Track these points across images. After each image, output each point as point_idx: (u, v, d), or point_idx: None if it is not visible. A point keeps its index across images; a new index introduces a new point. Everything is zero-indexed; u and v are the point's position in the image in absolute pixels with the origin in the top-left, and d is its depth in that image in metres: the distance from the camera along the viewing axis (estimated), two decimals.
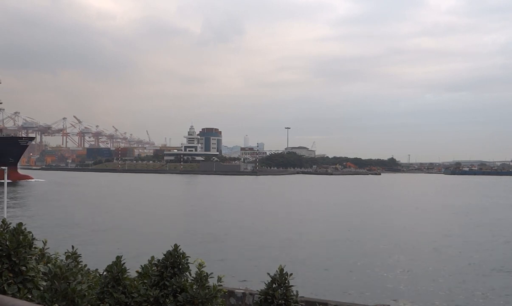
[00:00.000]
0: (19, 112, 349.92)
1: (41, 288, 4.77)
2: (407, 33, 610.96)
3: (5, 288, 4.66)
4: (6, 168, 20.28)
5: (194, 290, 4.97)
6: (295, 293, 5.00)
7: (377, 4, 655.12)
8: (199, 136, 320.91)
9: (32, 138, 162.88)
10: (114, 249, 25.59)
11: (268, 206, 67.94)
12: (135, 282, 5.15)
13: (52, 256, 6.00)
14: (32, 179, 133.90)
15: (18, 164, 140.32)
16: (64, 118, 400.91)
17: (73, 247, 5.70)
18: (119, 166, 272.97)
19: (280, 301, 4.87)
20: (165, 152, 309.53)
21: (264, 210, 61.07)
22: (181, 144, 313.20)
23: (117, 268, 5.02)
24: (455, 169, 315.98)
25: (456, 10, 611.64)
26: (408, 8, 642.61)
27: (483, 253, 33.27)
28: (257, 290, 9.00)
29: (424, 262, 29.46)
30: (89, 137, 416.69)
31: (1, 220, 5.51)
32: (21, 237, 5.09)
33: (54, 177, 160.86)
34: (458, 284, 24.14)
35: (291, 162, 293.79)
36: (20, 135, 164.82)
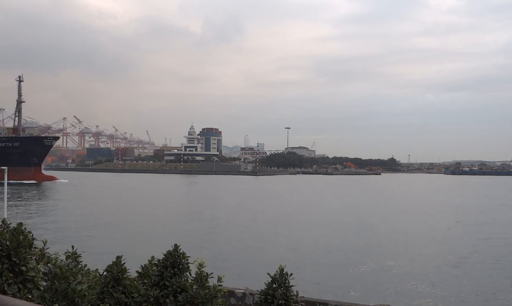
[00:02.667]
0: None
1: (41, 288, 4.77)
2: (407, 32, 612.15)
3: (5, 288, 4.66)
4: (6, 168, 20.20)
5: (194, 290, 4.97)
6: (295, 293, 5.00)
7: (378, 4, 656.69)
8: (199, 136, 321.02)
9: (57, 138, 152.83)
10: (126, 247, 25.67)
11: (268, 206, 67.90)
12: (135, 282, 5.15)
13: (52, 256, 6.00)
14: (58, 179, 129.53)
15: (43, 164, 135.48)
16: (64, 118, 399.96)
17: (73, 247, 5.70)
18: (119, 166, 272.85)
19: (280, 301, 4.87)
20: (165, 152, 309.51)
21: (264, 210, 61.03)
22: (181, 144, 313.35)
23: (117, 268, 5.02)
24: (455, 168, 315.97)
25: (457, 10, 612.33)
26: (409, 8, 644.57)
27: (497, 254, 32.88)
28: (257, 290, 9.01)
29: (426, 263, 29.42)
30: (89, 137, 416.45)
31: (1, 220, 5.50)
32: (21, 237, 5.09)
33: (62, 177, 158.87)
34: (462, 286, 24.12)
35: (291, 161, 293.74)
36: (45, 135, 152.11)
